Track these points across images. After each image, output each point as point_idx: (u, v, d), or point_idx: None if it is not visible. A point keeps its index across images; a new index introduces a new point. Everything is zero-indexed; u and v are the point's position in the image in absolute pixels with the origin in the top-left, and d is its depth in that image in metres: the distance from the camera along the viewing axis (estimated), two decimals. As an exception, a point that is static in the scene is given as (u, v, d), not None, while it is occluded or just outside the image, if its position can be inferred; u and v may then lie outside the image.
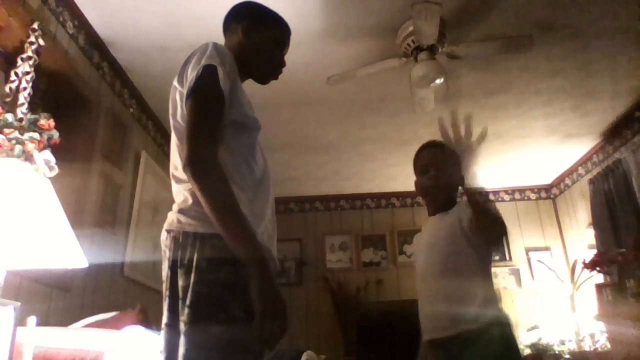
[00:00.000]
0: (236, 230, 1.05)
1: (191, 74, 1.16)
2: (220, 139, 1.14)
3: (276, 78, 1.43)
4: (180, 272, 1.09)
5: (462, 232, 1.61)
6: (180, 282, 1.09)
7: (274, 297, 1.02)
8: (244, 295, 1.02)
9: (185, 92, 1.17)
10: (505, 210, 5.06)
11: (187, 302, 1.05)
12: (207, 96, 1.14)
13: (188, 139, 1.10)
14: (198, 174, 1.06)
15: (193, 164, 1.07)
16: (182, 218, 1.14)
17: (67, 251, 1.42)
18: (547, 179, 5.34)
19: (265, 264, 1.04)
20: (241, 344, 1.03)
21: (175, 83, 1.23)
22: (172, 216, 1.18)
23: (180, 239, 1.11)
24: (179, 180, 1.20)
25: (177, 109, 1.22)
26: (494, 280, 1.67)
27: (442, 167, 1.72)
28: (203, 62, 1.15)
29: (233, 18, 1.40)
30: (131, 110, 3.26)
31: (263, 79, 1.42)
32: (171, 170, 1.25)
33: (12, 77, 1.93)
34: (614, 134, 4.10)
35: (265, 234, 1.20)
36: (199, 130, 1.10)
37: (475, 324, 1.53)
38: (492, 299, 1.60)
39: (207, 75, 1.14)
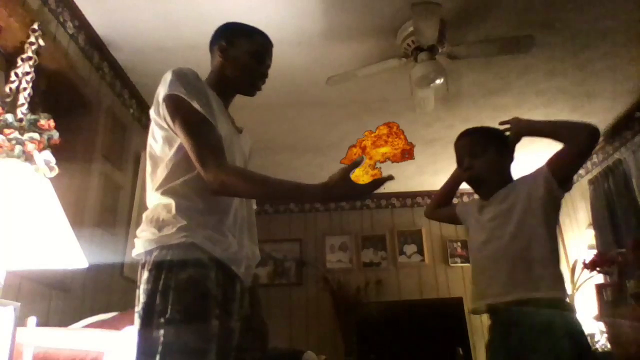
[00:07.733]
0: (289, 194, 1.31)
1: (163, 107, 1.28)
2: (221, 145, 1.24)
3: (259, 89, 1.49)
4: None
5: (531, 204, 1.58)
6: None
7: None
8: (179, 299, 1.12)
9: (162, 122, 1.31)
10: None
11: (135, 310, 1.18)
12: (188, 120, 1.24)
13: (196, 163, 1.23)
14: (224, 190, 1.21)
15: (213, 185, 1.20)
16: (137, 242, 1.27)
17: (67, 251, 1.42)
18: (547, 179, 5.33)
19: (326, 188, 1.28)
20: (182, 345, 1.10)
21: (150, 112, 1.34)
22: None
23: (141, 261, 1.24)
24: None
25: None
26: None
27: (476, 155, 1.70)
28: (166, 91, 1.25)
29: (212, 40, 1.48)
30: (131, 110, 3.26)
31: (247, 92, 1.49)
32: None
33: (12, 77, 1.93)
34: (614, 134, 4.09)
35: (233, 247, 1.26)
36: (200, 151, 1.22)
37: (538, 292, 1.46)
38: (559, 277, 1.53)
39: (175, 103, 1.25)
